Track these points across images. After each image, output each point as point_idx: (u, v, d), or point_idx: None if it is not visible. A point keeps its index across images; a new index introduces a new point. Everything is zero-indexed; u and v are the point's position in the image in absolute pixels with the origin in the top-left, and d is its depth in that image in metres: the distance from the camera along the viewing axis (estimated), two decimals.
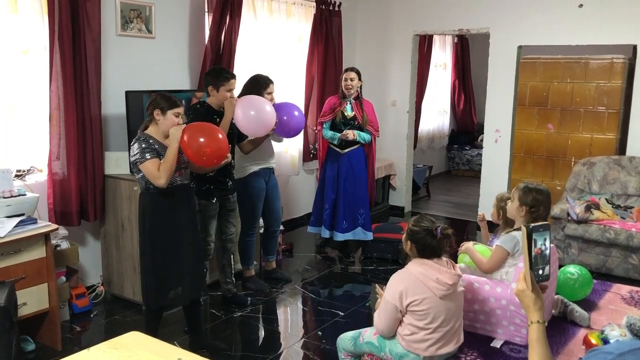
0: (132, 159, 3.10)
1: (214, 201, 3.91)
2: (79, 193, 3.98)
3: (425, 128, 9.00)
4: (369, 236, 5.19)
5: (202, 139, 3.14)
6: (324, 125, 5.04)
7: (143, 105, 4.07)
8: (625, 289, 3.61)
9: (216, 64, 4.80)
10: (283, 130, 4.27)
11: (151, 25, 4.49)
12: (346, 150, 5.05)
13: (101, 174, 4.09)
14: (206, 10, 4.88)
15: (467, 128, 9.92)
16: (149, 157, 3.04)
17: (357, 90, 5.00)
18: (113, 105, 4.21)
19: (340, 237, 5.11)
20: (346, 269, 5.07)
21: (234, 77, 3.97)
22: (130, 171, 3.41)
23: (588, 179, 5.36)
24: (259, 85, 4.26)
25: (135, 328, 3.81)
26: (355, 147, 5.06)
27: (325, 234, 5.17)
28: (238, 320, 3.98)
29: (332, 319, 4.02)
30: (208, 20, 4.88)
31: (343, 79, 5.00)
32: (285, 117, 4.24)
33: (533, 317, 1.54)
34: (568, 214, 4.94)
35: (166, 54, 4.64)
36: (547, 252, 1.57)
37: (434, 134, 9.34)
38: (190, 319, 3.53)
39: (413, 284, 2.56)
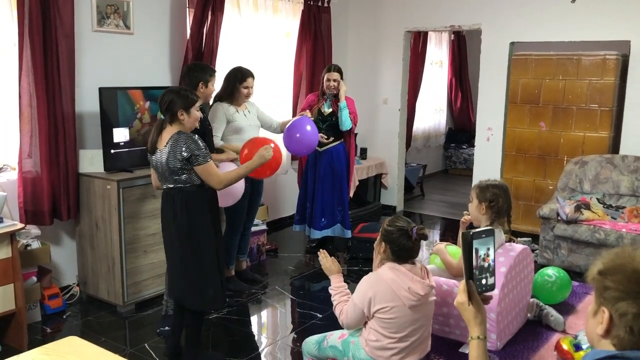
0: (195, 153, 2.97)
1: None
2: (52, 192, 3.90)
3: (421, 126, 8.88)
4: (348, 234, 5.14)
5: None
6: None
7: (118, 102, 4.01)
8: None
9: (198, 60, 4.71)
10: (297, 148, 4.43)
11: (129, 21, 4.41)
12: (324, 148, 4.98)
13: (75, 172, 4.01)
14: (187, 5, 4.80)
15: (464, 126, 9.80)
16: (209, 159, 3.05)
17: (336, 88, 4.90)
18: (88, 102, 4.13)
19: (317, 234, 5.07)
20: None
21: (215, 72, 4.01)
22: (151, 166, 3.22)
23: (580, 178, 5.23)
24: (235, 78, 4.19)
25: (108, 329, 3.79)
26: (335, 143, 5.00)
27: (310, 232, 5.14)
28: (214, 322, 3.89)
29: (309, 321, 3.93)
30: (189, 16, 4.79)
31: (325, 79, 4.87)
32: (298, 135, 4.36)
33: (473, 332, 1.43)
34: (557, 214, 4.82)
35: (145, 51, 4.56)
36: (491, 260, 1.46)
37: (429, 132, 9.23)
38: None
39: (383, 291, 2.45)
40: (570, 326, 2.97)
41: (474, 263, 1.44)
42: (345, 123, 4.89)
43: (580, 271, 4.75)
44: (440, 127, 9.60)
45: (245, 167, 3.29)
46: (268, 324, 4.10)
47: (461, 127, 9.83)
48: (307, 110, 4.71)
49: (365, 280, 2.53)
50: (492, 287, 1.48)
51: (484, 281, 1.46)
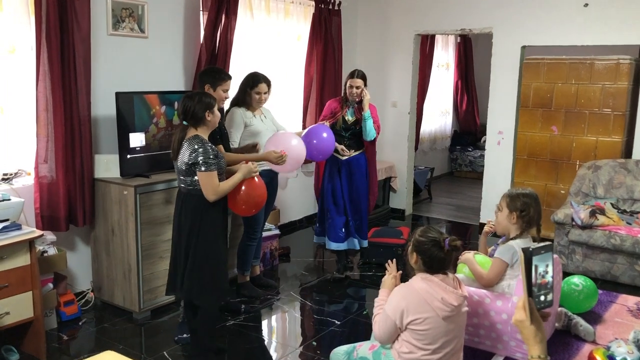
0: (199, 159, 3.07)
1: None
2: (67, 197, 3.86)
3: (427, 129, 8.86)
4: (363, 243, 4.92)
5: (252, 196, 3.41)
6: None
7: (134, 107, 3.98)
8: (631, 300, 3.47)
9: (211, 64, 4.68)
10: (313, 154, 4.30)
11: (144, 25, 4.37)
12: (346, 157, 4.68)
13: (90, 177, 3.97)
14: (201, 9, 4.75)
15: (469, 129, 9.78)
16: (213, 168, 3.11)
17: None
18: (103, 106, 4.09)
19: (333, 246, 4.76)
20: (344, 274, 4.85)
21: (230, 77, 3.92)
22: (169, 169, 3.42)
23: (593, 183, 5.22)
24: (246, 83, 4.16)
25: (124, 336, 3.75)
26: (356, 153, 4.71)
27: (330, 245, 4.80)
28: (231, 329, 3.86)
29: (327, 328, 3.90)
30: (203, 19, 4.75)
31: (348, 86, 4.55)
32: (315, 141, 4.26)
33: (533, 351, 1.39)
34: (572, 219, 4.80)
35: (159, 54, 4.52)
36: (550, 278, 1.43)
37: (435, 135, 9.21)
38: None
39: (416, 302, 2.42)
40: (600, 336, 2.95)
41: (533, 280, 1.41)
42: (370, 133, 4.60)
43: (596, 277, 4.73)
44: (447, 130, 9.58)
45: (232, 179, 3.27)
46: (285, 331, 4.06)
47: (467, 130, 9.81)
48: (326, 121, 4.59)
49: (397, 292, 2.50)
50: (550, 303, 1.45)
51: (542, 297, 1.43)
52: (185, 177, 3.18)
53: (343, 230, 4.75)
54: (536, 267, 1.41)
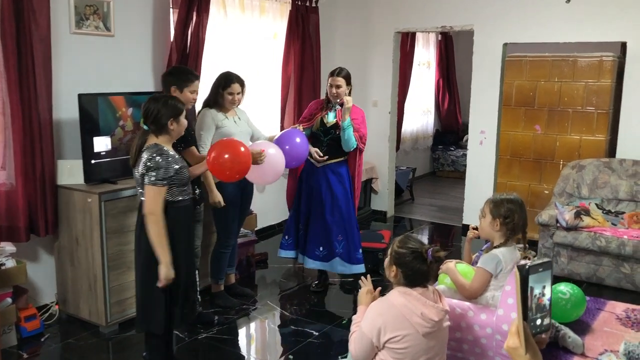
0: (145, 172, 2.79)
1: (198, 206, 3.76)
2: (28, 206, 3.64)
3: (409, 128, 8.73)
4: (352, 269, 4.34)
5: (226, 156, 3.26)
6: None
7: (98, 109, 3.77)
8: (620, 307, 3.34)
9: (182, 63, 4.48)
10: (286, 160, 3.89)
11: (110, 23, 4.15)
12: (322, 164, 4.28)
13: (53, 184, 3.75)
14: (171, 6, 4.55)
15: (451, 128, 9.67)
16: (160, 184, 2.80)
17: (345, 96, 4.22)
18: (67, 109, 3.87)
19: (311, 264, 4.38)
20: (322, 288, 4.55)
21: (198, 78, 3.71)
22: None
23: (577, 182, 5.11)
24: (218, 83, 3.95)
25: (89, 352, 3.53)
26: (336, 160, 4.29)
27: (301, 259, 4.47)
28: (203, 342, 3.67)
29: (305, 339, 3.72)
30: (173, 17, 4.55)
31: (328, 85, 4.19)
32: (287, 147, 3.92)
33: None
34: (557, 221, 4.68)
35: (127, 54, 4.31)
36: (547, 298, 1.26)
37: (417, 134, 9.08)
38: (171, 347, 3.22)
39: (394, 318, 2.24)
40: (589, 348, 2.81)
41: (529, 302, 1.24)
42: (348, 143, 4.14)
43: (581, 279, 4.62)
44: (428, 129, 9.46)
45: (163, 242, 2.83)
46: (261, 343, 3.87)
47: (449, 129, 9.70)
48: (299, 125, 4.25)
49: (373, 307, 2.32)
50: (547, 327, 1.29)
51: (539, 322, 1.26)
52: (141, 188, 2.89)
53: (321, 248, 4.36)
54: (532, 288, 1.24)
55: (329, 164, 4.29)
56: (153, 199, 2.79)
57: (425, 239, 6.26)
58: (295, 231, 4.48)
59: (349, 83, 4.21)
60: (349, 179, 4.37)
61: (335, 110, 4.26)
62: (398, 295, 2.28)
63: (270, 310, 4.22)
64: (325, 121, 4.26)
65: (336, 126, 4.21)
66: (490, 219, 2.74)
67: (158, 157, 2.80)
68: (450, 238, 6.19)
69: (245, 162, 3.35)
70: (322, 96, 4.68)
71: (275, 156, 3.74)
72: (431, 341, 2.26)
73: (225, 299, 4.19)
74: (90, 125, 3.72)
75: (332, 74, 4.20)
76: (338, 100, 4.21)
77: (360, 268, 4.35)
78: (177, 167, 2.87)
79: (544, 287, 1.25)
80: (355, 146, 4.23)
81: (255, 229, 5.22)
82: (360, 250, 4.43)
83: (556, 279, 4.54)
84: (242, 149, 3.36)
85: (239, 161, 3.32)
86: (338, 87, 4.16)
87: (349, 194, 4.34)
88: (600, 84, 5.23)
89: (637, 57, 5.07)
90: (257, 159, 3.53)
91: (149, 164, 2.79)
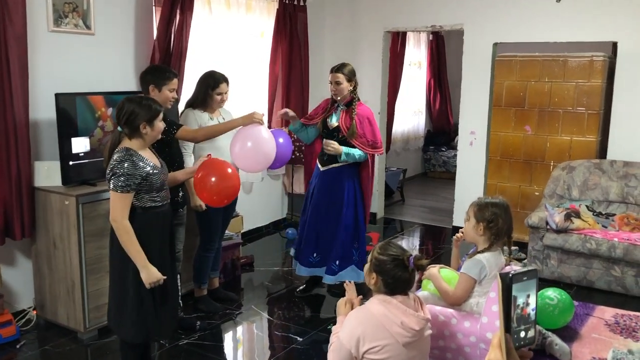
0: (110, 177, 2.66)
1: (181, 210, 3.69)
2: (3, 208, 3.54)
3: (400, 129, 8.65)
4: (360, 276, 4.03)
5: (214, 179, 3.15)
6: (290, 127, 4.33)
7: (76, 109, 3.67)
8: (609, 313, 3.27)
9: (165, 63, 4.39)
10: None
11: (90, 20, 4.05)
12: (325, 168, 4.10)
13: (29, 186, 3.64)
14: (153, 3, 4.46)
15: (443, 128, 9.61)
16: (125, 191, 2.64)
17: (349, 95, 4.03)
18: (44, 109, 3.76)
19: (303, 271, 4.23)
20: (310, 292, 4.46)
21: (176, 75, 3.62)
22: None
23: (568, 184, 5.04)
24: (206, 84, 3.86)
25: (67, 359, 3.43)
26: (340, 164, 4.05)
27: (295, 267, 4.30)
28: (184, 349, 3.57)
29: (288, 345, 3.64)
30: (156, 15, 4.46)
31: (328, 82, 4.06)
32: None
33: None
34: (547, 223, 4.61)
35: (108, 52, 4.21)
36: (532, 308, 1.18)
37: (409, 135, 9.01)
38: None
39: (373, 328, 2.16)
40: (577, 356, 2.73)
41: (512, 312, 1.16)
42: (354, 157, 3.99)
43: (572, 282, 4.56)
44: (420, 130, 9.39)
45: (136, 248, 2.73)
46: (243, 350, 3.78)
47: (440, 129, 9.63)
48: (287, 110, 4.19)
49: (352, 317, 2.24)
50: (532, 340, 1.20)
51: (522, 334, 1.18)
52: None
53: (315, 254, 4.20)
54: (515, 298, 1.16)
55: (330, 168, 4.11)
56: (115, 205, 2.66)
57: (415, 241, 6.19)
58: (315, 242, 4.20)
59: (350, 79, 4.01)
60: (356, 183, 4.15)
61: (339, 112, 4.07)
62: (377, 304, 2.19)
63: (255, 314, 4.13)
64: (328, 123, 4.10)
65: (339, 129, 4.03)
66: (474, 223, 2.66)
67: (125, 163, 2.65)
68: (441, 240, 6.12)
69: (233, 187, 3.27)
70: (322, 96, 4.55)
71: (268, 141, 3.67)
72: (412, 351, 2.18)
73: (208, 304, 4.10)
74: (68, 125, 3.62)
75: (331, 70, 4.04)
76: (339, 99, 4.05)
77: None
78: (145, 174, 2.68)
79: (528, 296, 1.17)
80: (365, 158, 4.06)
81: (242, 231, 5.13)
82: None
83: (546, 282, 4.48)
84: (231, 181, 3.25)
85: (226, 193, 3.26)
86: (337, 83, 3.98)
87: (353, 199, 4.12)
88: (591, 84, 5.16)
89: (628, 57, 5.01)
90: (259, 118, 3.65)
91: (114, 169, 2.65)
